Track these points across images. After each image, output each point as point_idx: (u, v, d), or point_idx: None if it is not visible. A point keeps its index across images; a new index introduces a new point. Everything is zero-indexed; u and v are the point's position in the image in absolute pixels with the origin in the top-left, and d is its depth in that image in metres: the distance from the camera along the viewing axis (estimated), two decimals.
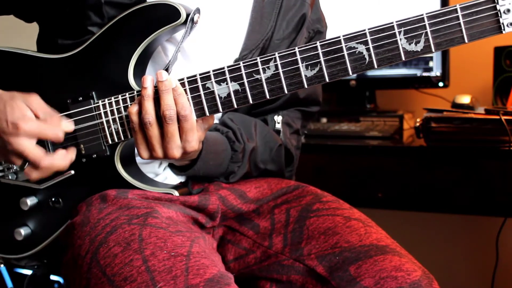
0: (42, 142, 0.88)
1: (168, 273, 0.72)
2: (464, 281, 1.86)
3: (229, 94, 0.82)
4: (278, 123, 1.05)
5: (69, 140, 0.89)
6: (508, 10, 0.73)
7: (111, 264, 0.75)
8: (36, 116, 0.85)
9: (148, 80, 0.82)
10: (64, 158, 0.87)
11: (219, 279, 0.73)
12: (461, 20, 0.74)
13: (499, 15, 0.73)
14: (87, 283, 0.77)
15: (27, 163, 0.86)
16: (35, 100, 0.86)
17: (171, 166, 0.95)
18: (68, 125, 0.88)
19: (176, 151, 0.82)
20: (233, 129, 0.97)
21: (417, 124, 1.42)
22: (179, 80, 0.85)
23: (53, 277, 1.57)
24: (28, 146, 0.84)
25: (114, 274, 0.74)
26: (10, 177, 0.94)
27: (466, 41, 0.74)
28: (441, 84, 1.65)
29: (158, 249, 0.75)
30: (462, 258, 1.86)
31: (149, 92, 0.82)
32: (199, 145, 0.85)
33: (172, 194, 0.89)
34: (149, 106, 0.82)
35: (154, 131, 0.82)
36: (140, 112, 0.83)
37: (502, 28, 0.73)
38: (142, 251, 0.75)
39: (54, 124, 0.86)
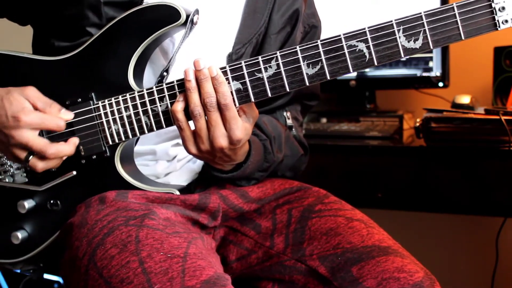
0: None
1: (165, 274, 0.72)
2: (464, 281, 1.86)
3: (231, 93, 0.82)
4: (289, 118, 1.06)
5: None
6: (503, 8, 0.75)
7: (108, 266, 0.75)
8: (35, 107, 0.85)
9: (191, 72, 0.82)
10: (68, 144, 0.87)
11: (216, 280, 0.73)
12: (458, 18, 0.76)
13: (495, 13, 0.75)
14: (85, 285, 0.77)
15: (31, 156, 0.85)
16: (32, 92, 0.86)
17: (209, 168, 0.94)
18: (68, 114, 0.88)
19: (222, 140, 0.82)
20: (270, 139, 0.98)
21: (417, 124, 1.41)
22: (179, 80, 0.85)
23: (52, 277, 1.57)
24: (32, 137, 0.84)
25: (111, 276, 0.74)
26: (7, 180, 0.93)
27: (463, 38, 0.76)
28: (441, 84, 1.64)
29: (154, 251, 0.75)
30: (462, 258, 1.86)
31: (193, 84, 0.82)
32: (246, 137, 0.85)
33: (172, 193, 0.89)
34: (196, 98, 0.82)
35: (202, 123, 0.82)
36: (184, 109, 0.83)
37: (498, 25, 0.75)
38: (138, 253, 0.75)
39: (54, 114, 0.86)
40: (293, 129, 1.06)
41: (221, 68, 0.83)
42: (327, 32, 0.98)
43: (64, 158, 0.88)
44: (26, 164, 0.86)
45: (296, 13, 1.03)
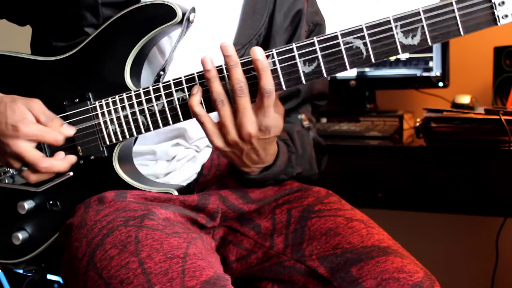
0: (39, 146, 0.87)
1: (164, 275, 0.72)
2: (464, 281, 1.86)
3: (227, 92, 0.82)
4: (305, 120, 1.05)
5: (67, 142, 0.89)
6: (503, 2, 0.73)
7: (108, 267, 0.75)
8: (37, 120, 0.85)
9: (209, 61, 0.81)
10: (63, 160, 0.87)
11: (216, 281, 0.73)
12: (457, 13, 0.75)
13: (494, 7, 0.74)
14: (84, 285, 0.77)
15: (24, 167, 0.85)
16: (37, 104, 0.86)
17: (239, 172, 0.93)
18: (69, 130, 0.88)
19: (250, 126, 0.81)
20: (297, 153, 0.98)
21: (417, 124, 1.41)
22: (176, 79, 0.84)
23: (52, 277, 1.57)
24: (27, 149, 0.83)
25: (110, 277, 0.74)
26: (6, 181, 0.93)
27: (462, 33, 0.75)
28: (441, 84, 1.64)
29: (154, 251, 0.75)
30: (462, 258, 1.86)
31: (213, 73, 0.81)
32: (276, 129, 0.83)
33: (171, 193, 0.89)
34: (217, 86, 0.81)
35: (226, 110, 0.81)
36: (201, 102, 0.82)
37: (497, 20, 0.74)
38: (138, 254, 0.75)
39: (54, 128, 0.86)
40: (311, 132, 1.06)
41: (217, 66, 0.82)
42: (328, 30, 0.97)
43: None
44: (20, 174, 0.86)
45: (299, 14, 1.03)
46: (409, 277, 0.79)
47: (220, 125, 0.82)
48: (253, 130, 0.81)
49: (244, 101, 0.80)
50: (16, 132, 0.82)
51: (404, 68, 1.68)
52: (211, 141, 0.84)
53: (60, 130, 0.86)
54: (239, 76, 0.80)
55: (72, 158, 0.88)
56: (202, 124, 0.83)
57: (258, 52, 0.79)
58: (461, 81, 1.72)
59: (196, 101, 0.82)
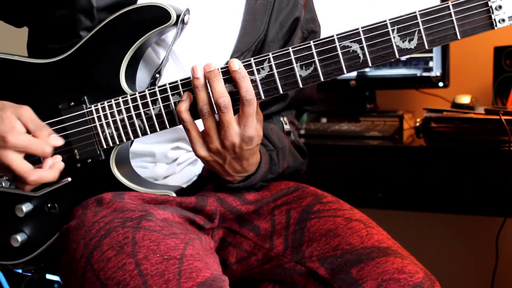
0: None
1: (161, 276, 0.72)
2: (464, 281, 1.86)
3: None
4: (286, 123, 1.05)
5: (63, 145, 0.88)
6: (500, 7, 0.73)
7: (105, 268, 0.75)
8: (26, 128, 0.83)
9: (199, 69, 0.81)
10: (52, 169, 0.84)
11: (212, 282, 0.72)
12: (454, 17, 0.74)
13: (491, 12, 0.74)
14: (82, 287, 0.77)
15: (16, 178, 0.84)
16: (26, 112, 0.84)
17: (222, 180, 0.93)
18: (57, 140, 0.85)
19: (235, 137, 0.81)
20: (277, 150, 0.97)
21: (417, 124, 1.41)
22: (172, 83, 0.84)
23: (52, 277, 1.57)
24: (15, 160, 0.81)
25: (107, 278, 0.74)
26: (3, 184, 0.92)
27: (459, 37, 0.75)
28: (441, 84, 1.64)
29: (151, 253, 0.75)
30: (462, 258, 1.86)
31: (202, 81, 0.81)
32: (258, 138, 0.83)
33: (168, 195, 0.88)
34: (204, 96, 0.81)
35: (211, 121, 0.82)
36: (189, 108, 0.82)
37: (494, 24, 0.74)
38: (135, 255, 0.75)
39: (42, 139, 0.83)
40: (291, 135, 1.05)
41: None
42: (326, 33, 0.97)
43: None
44: (13, 184, 0.85)
45: (296, 22, 1.02)
46: (410, 278, 0.79)
47: (204, 134, 0.83)
48: (237, 140, 0.82)
49: (228, 116, 0.80)
50: (3, 142, 0.80)
51: (404, 68, 1.68)
52: (194, 149, 0.84)
53: (48, 141, 0.84)
54: (221, 89, 0.80)
55: (61, 165, 0.85)
56: (187, 131, 0.83)
57: (235, 64, 0.80)
58: (461, 81, 1.72)
59: (184, 107, 0.82)
